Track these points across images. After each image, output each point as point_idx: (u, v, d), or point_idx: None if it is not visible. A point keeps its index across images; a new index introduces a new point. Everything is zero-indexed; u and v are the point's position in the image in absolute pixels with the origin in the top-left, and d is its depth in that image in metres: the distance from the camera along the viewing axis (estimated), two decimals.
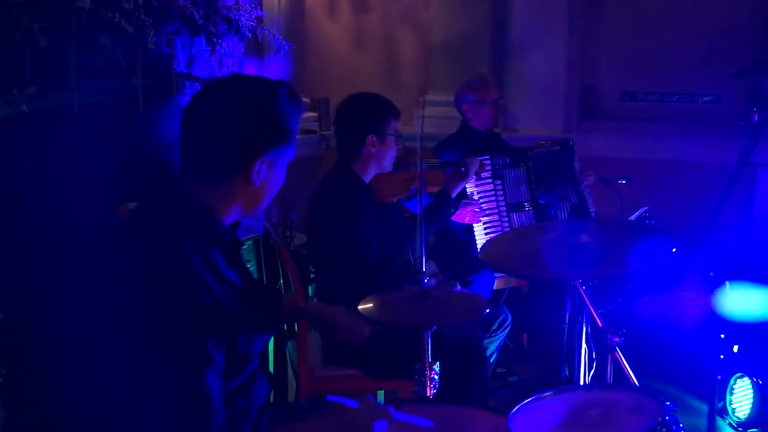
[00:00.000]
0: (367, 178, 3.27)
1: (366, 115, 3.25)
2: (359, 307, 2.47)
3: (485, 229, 3.95)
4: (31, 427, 3.14)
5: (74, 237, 3.34)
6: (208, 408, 1.60)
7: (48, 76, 3.24)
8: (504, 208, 3.98)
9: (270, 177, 1.80)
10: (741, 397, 3.41)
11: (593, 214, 4.02)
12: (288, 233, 4.23)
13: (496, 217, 3.97)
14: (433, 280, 2.96)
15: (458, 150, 4.09)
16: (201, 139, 1.77)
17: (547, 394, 2.05)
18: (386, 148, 3.24)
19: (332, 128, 3.41)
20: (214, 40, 3.75)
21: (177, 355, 1.60)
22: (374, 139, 3.21)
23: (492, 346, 3.54)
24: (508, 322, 3.62)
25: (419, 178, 2.85)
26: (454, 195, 3.61)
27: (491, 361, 3.54)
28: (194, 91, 3.75)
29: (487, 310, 2.51)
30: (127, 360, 1.62)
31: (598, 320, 2.49)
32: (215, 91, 1.85)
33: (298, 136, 1.91)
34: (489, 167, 4.00)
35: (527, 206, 4.02)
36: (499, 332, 3.59)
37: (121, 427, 1.69)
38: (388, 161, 3.28)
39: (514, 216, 4.00)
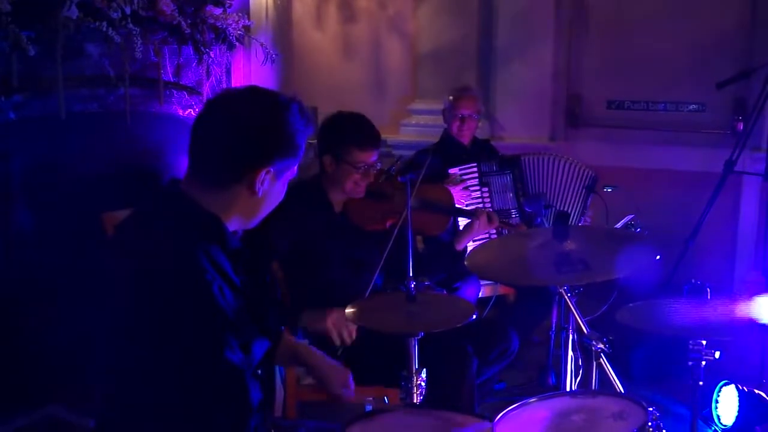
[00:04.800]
0: (332, 194, 3.22)
1: (327, 134, 3.22)
2: (346, 311, 2.47)
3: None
4: None
5: (63, 244, 3.35)
6: (222, 412, 1.63)
7: (35, 85, 3.25)
8: (467, 223, 3.97)
9: (272, 189, 1.84)
10: (727, 404, 3.43)
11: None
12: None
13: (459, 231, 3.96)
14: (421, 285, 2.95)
15: (440, 159, 4.09)
16: (212, 144, 1.80)
17: (532, 400, 2.06)
18: (342, 173, 3.15)
19: None
20: (202, 49, 3.77)
21: (194, 361, 1.62)
22: (329, 159, 3.18)
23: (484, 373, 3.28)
24: (509, 352, 3.35)
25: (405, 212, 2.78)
26: (459, 248, 3.46)
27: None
28: (182, 100, 3.80)
29: (474, 316, 2.53)
30: (141, 365, 1.64)
31: (584, 327, 2.50)
32: (230, 99, 1.88)
33: None
34: (476, 174, 4.01)
35: (514, 213, 4.04)
36: (496, 363, 3.33)
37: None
38: (348, 187, 3.17)
39: None
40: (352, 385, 2.40)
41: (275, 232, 3.03)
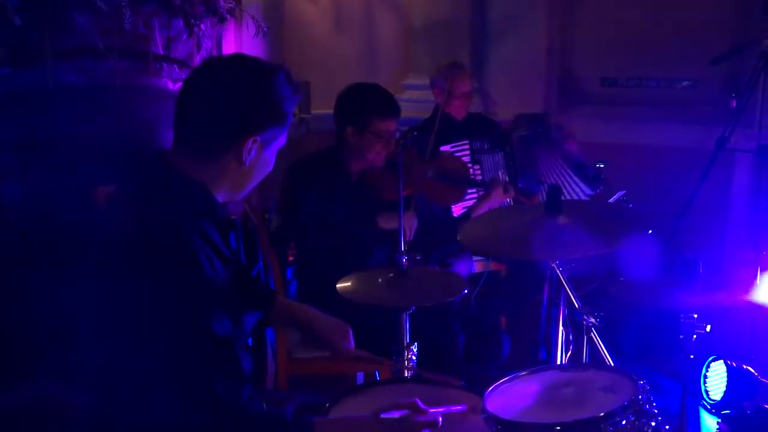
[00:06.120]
0: (353, 163, 3.29)
1: (348, 106, 3.26)
2: (338, 286, 2.47)
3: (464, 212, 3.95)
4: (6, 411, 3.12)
5: (54, 217, 3.32)
6: (210, 385, 1.63)
7: (23, 57, 3.22)
8: (483, 193, 3.97)
9: (260, 159, 1.82)
10: (715, 379, 3.45)
11: (593, 172, 3.99)
12: (266, 216, 4.21)
13: (475, 201, 3.97)
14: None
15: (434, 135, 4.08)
16: (198, 113, 1.79)
17: (523, 373, 2.07)
18: (365, 143, 3.24)
19: None
20: (192, 21, 3.72)
21: (183, 333, 1.61)
22: (352, 130, 3.23)
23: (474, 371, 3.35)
24: (500, 355, 3.49)
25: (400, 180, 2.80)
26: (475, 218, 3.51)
27: None
28: (172, 73, 3.76)
29: (466, 291, 2.53)
30: (131, 337, 1.63)
31: (575, 302, 2.51)
32: (215, 67, 1.87)
33: None
34: (468, 152, 4.00)
35: None
36: (486, 363, 3.42)
37: (123, 409, 1.69)
38: (371, 157, 3.27)
39: None
40: (353, 340, 2.36)
41: (294, 202, 3.10)
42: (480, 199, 3.62)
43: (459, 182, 3.65)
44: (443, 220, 3.97)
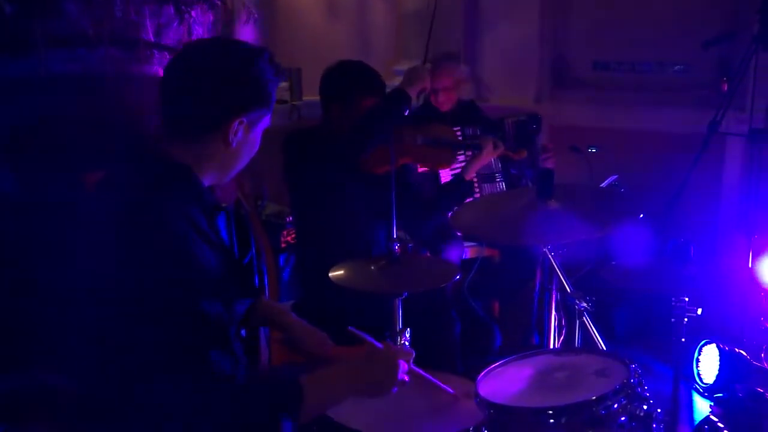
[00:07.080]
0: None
1: (336, 84, 3.25)
2: (330, 274, 2.47)
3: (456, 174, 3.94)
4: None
5: (44, 207, 3.31)
6: (204, 367, 1.63)
7: (13, 44, 3.20)
8: (475, 179, 3.97)
9: (246, 140, 1.83)
10: (707, 363, 3.47)
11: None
12: (259, 203, 4.21)
13: (465, 163, 3.95)
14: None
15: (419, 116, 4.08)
16: (183, 95, 1.79)
17: (516, 358, 2.08)
18: (352, 120, 3.21)
19: None
20: (183, 8, 3.70)
21: (173, 317, 1.62)
22: (340, 108, 3.21)
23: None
24: (492, 348, 3.56)
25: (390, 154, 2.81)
26: (468, 178, 3.58)
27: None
28: (163, 60, 3.75)
29: (458, 277, 2.54)
30: (121, 323, 1.63)
31: (567, 287, 2.51)
32: (198, 50, 1.87)
33: None
34: (460, 137, 4.00)
35: (498, 177, 4.03)
36: (478, 355, 3.49)
37: (116, 393, 1.69)
38: None
39: (486, 187, 4.01)
40: (330, 344, 2.38)
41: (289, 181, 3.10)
42: (472, 159, 3.64)
43: (449, 145, 3.68)
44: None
